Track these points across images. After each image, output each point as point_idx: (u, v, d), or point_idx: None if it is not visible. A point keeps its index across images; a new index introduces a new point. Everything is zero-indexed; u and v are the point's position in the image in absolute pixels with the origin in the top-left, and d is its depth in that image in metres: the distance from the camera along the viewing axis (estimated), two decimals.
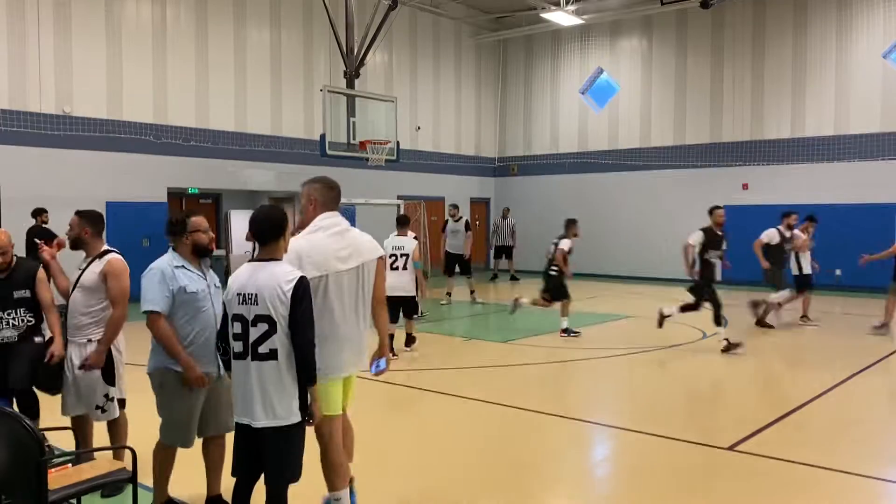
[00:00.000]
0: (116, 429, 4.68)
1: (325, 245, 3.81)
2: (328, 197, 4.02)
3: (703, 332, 11.14)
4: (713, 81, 18.94)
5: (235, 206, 16.72)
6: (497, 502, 4.66)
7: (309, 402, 3.49)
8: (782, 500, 4.66)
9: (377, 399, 7.35)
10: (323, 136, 13.92)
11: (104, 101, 14.03)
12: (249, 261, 3.56)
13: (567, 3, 18.03)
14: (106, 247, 4.64)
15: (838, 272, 16.79)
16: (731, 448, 5.59)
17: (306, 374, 3.43)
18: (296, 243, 3.78)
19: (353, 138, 14.51)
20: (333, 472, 3.89)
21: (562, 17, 18.43)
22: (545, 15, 18.30)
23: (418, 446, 5.79)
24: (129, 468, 3.68)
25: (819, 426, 6.37)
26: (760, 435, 5.93)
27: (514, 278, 19.58)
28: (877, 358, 9.13)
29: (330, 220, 3.95)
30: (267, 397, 3.39)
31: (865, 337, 10.83)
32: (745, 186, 18.33)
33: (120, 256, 4.59)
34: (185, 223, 4.18)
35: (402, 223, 9.78)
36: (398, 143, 15.50)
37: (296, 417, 3.44)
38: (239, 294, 3.44)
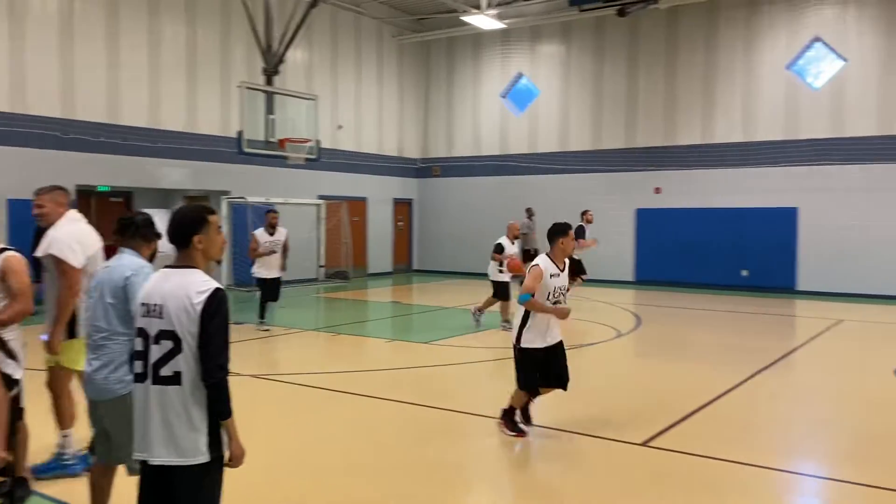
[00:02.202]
0: (15, 441, 4.40)
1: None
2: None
3: (617, 331, 11.44)
4: (629, 88, 19.51)
5: (148, 206, 16.13)
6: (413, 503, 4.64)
7: (224, 438, 2.95)
8: (694, 494, 4.82)
9: (289, 401, 7.23)
10: (240, 134, 13.59)
11: (5, 93, 13.28)
12: (164, 267, 3.11)
13: (488, 6, 18.20)
14: (2, 245, 4.40)
15: (745, 272, 17.59)
16: (644, 444, 5.74)
17: (217, 406, 2.89)
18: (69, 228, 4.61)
19: (272, 136, 14.23)
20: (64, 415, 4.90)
21: (483, 21, 18.59)
22: (466, 18, 18.42)
23: (329, 448, 5.72)
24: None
25: (729, 421, 6.63)
26: (673, 430, 6.13)
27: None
28: (780, 355, 9.57)
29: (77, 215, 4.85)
30: (169, 429, 2.86)
31: (769, 335, 11.33)
32: (657, 190, 18.96)
33: (17, 253, 4.36)
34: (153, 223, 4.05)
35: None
36: (319, 141, 15.29)
37: (203, 457, 2.87)
38: (143, 304, 2.98)
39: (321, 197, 19.00)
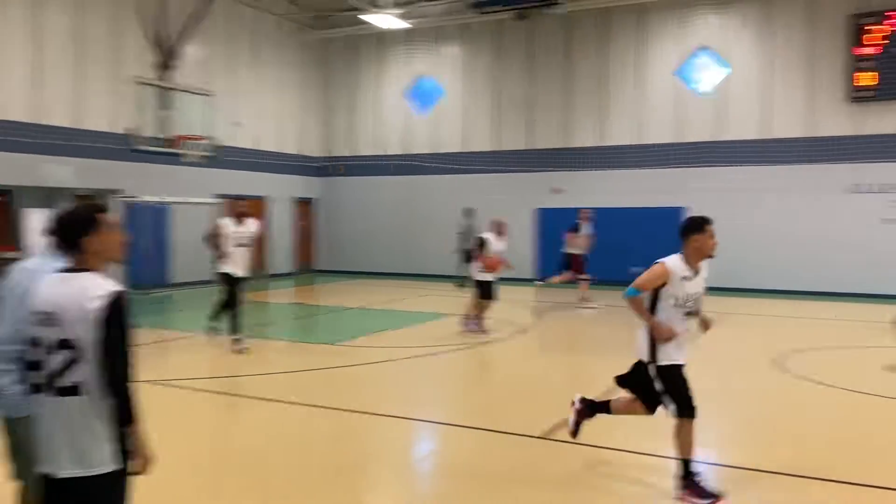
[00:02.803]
0: None
1: None
2: None
3: (518, 328, 11.70)
4: (528, 91, 19.97)
5: (31, 205, 15.23)
6: None
7: (130, 445, 2.84)
8: (590, 482, 5.02)
9: (187, 407, 7.04)
10: (131, 130, 13.05)
11: None
12: (57, 271, 2.90)
13: (390, 6, 18.23)
14: None
15: (635, 270, 18.27)
16: (543, 437, 5.93)
17: (122, 414, 2.77)
18: None
19: (167, 133, 13.77)
20: None
21: (385, 21, 18.61)
22: (367, 17, 18.39)
23: (234, 454, 5.62)
24: None
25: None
26: None
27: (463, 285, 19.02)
28: None
29: None
30: (72, 441, 2.75)
31: None
32: (556, 190, 19.51)
33: None
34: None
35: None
36: (216, 139, 14.89)
37: (110, 466, 2.78)
38: (36, 312, 2.82)
39: (219, 196, 18.50)
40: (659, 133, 18.52)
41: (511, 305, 14.73)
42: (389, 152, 21.83)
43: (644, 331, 5.01)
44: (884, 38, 16.02)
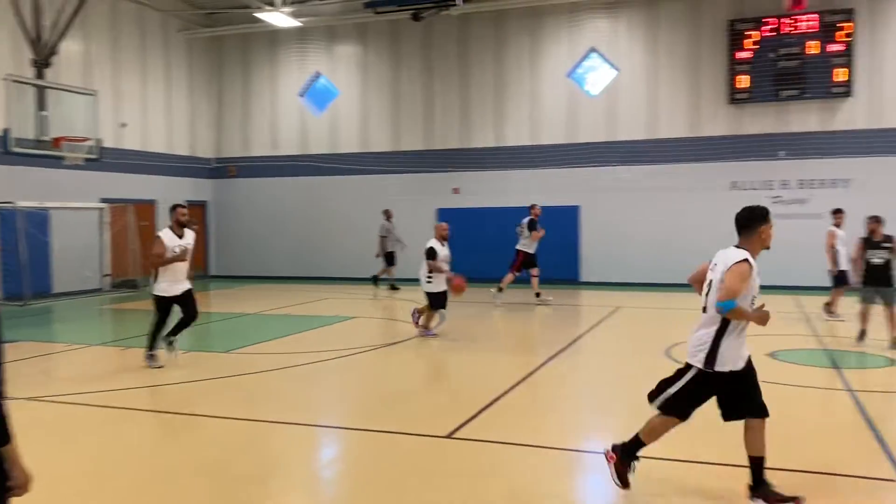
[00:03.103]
0: None
1: None
2: None
3: (425, 329, 11.69)
4: (425, 91, 20.03)
5: None
6: None
7: (6, 466, 2.62)
8: (496, 479, 5.04)
9: (71, 422, 6.62)
10: (7, 131, 12.21)
11: None
12: None
13: (283, 4, 17.85)
14: None
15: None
16: (449, 436, 5.92)
17: None
18: None
19: (45, 135, 12.95)
20: None
21: (277, 19, 18.21)
22: (260, 15, 17.94)
23: (121, 470, 5.31)
24: None
25: (526, 406, 7.02)
26: (475, 420, 6.37)
27: (394, 287, 18.22)
28: (568, 342, 10.30)
29: None
30: None
31: (559, 324, 12.14)
32: (455, 190, 19.66)
33: None
34: None
35: None
36: (100, 140, 14.14)
37: None
38: None
39: (104, 200, 17.57)
40: (554, 134, 18.98)
41: (414, 306, 14.71)
42: (285, 152, 21.38)
43: (709, 335, 4.58)
44: (755, 43, 17.03)
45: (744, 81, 17.17)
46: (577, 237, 18.69)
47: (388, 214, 18.28)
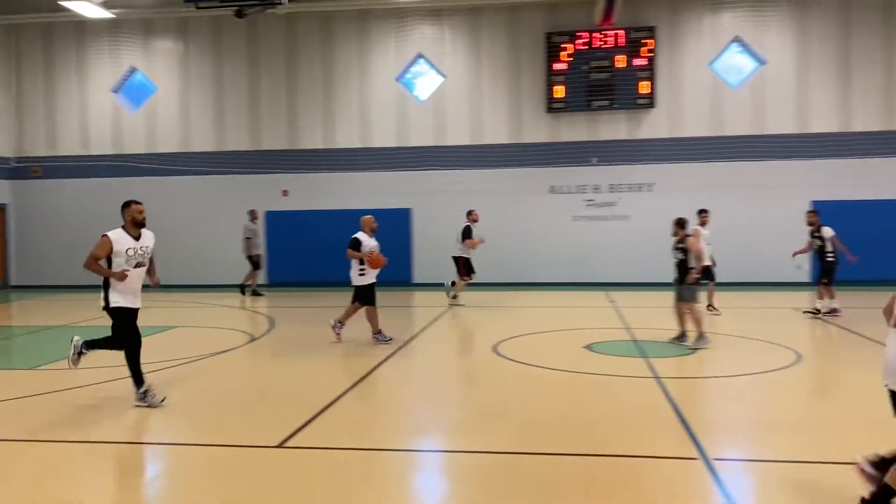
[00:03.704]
0: None
1: None
2: None
3: (251, 336, 11.33)
4: (251, 90, 19.43)
5: None
6: None
7: None
8: (329, 486, 4.99)
9: None
10: None
11: None
12: None
13: None
14: None
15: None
16: (280, 445, 5.79)
17: None
18: None
19: None
20: None
21: (86, 9, 16.92)
22: (66, 3, 16.57)
23: None
24: None
25: (359, 411, 7.00)
26: (308, 427, 6.27)
27: (256, 293, 17.02)
28: (403, 342, 10.40)
29: None
30: None
31: (393, 325, 12.22)
32: (284, 193, 19.24)
33: None
34: None
35: None
36: None
37: None
38: None
39: None
40: (384, 137, 19.11)
41: (243, 313, 14.21)
42: (97, 152, 19.89)
43: None
44: (570, 55, 18.13)
45: (560, 91, 18.21)
46: (410, 239, 18.94)
47: (252, 215, 17.36)
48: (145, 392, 7.06)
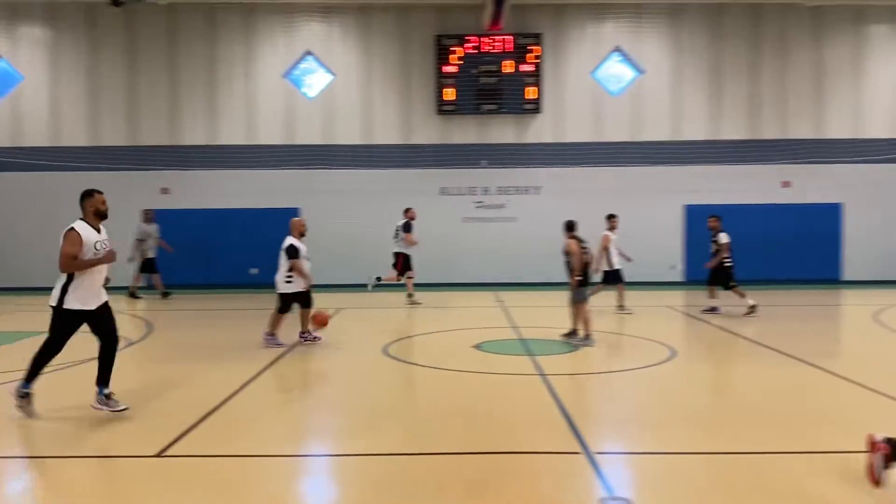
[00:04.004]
0: None
1: None
2: None
3: (128, 340, 10.80)
4: (129, 83, 18.51)
5: None
6: None
7: None
8: (210, 495, 4.81)
9: None
10: None
11: None
12: None
13: None
14: None
15: (254, 271, 18.21)
16: (159, 455, 5.53)
17: None
18: None
19: None
20: None
21: None
22: None
23: None
24: None
25: (244, 416, 6.79)
26: (189, 435, 6.02)
27: (134, 295, 16.04)
28: (287, 348, 10.18)
29: None
30: None
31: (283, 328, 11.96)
32: (164, 191, 18.45)
33: None
34: None
35: None
36: None
37: None
38: None
39: None
40: (271, 134, 18.67)
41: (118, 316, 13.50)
42: None
43: None
44: (459, 58, 18.35)
45: (450, 94, 18.40)
46: None
47: (146, 216, 16.46)
48: (26, 395, 6.55)
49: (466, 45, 18.33)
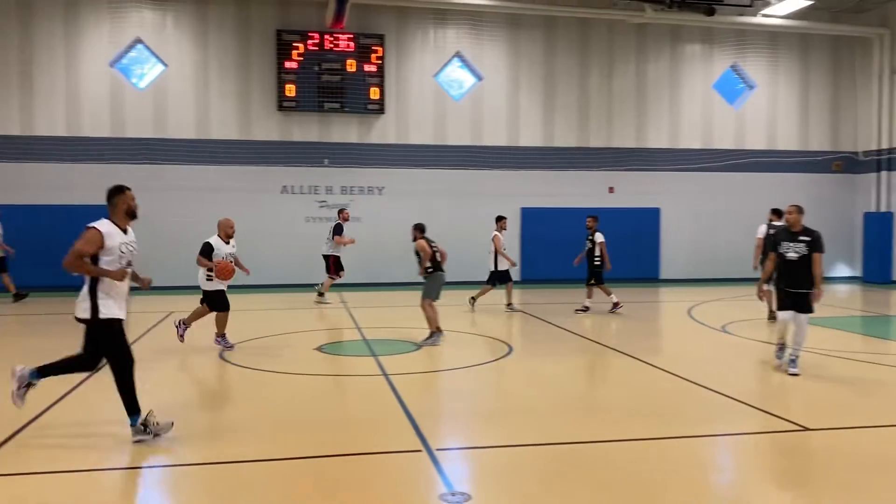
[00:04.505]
0: None
1: None
2: None
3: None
4: None
5: None
6: None
7: None
8: None
9: None
10: None
11: None
12: None
13: None
14: None
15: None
16: None
17: None
18: None
19: None
20: None
21: None
22: None
23: None
24: None
25: (65, 428, 6.28)
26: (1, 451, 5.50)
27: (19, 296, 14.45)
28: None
29: None
30: None
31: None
32: None
33: None
34: None
35: None
36: None
37: None
38: None
39: None
40: (96, 126, 17.43)
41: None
42: None
43: None
44: (301, 54, 18.04)
45: (291, 90, 18.04)
46: None
47: None
48: (146, 422, 5.76)
49: (309, 41, 18.05)
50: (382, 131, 18.84)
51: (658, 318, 14.07)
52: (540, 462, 5.46)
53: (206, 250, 9.57)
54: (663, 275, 20.24)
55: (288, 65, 17.97)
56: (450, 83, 19.41)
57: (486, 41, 19.26)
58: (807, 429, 6.25)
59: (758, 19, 19.12)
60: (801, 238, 8.29)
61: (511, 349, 10.04)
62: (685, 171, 20.30)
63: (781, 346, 8.60)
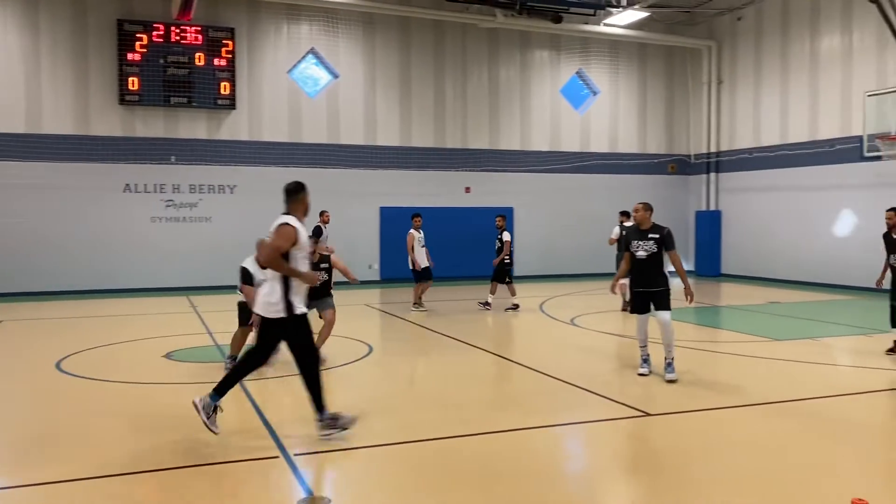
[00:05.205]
0: None
1: None
2: None
3: None
4: None
5: None
6: None
7: None
8: None
9: None
10: None
11: None
12: None
13: None
14: None
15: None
16: None
17: None
18: None
19: None
20: None
21: None
22: None
23: None
24: None
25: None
26: None
27: None
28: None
29: None
30: None
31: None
32: None
33: None
34: None
35: None
36: None
37: None
38: None
39: None
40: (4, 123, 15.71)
41: None
42: None
43: None
44: (144, 46, 17.07)
45: (135, 84, 17.03)
46: None
47: None
48: (334, 416, 5.83)
49: (153, 33, 17.11)
50: (233, 127, 18.20)
51: (511, 313, 14.54)
52: (402, 460, 5.47)
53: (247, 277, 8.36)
54: (518, 272, 20.91)
55: (131, 57, 16.95)
56: (305, 80, 19.07)
57: (341, 39, 19.08)
58: (648, 414, 6.66)
59: (601, 28, 20.19)
60: (650, 236, 8.03)
61: (371, 349, 10.00)
62: (535, 172, 21.09)
63: (645, 359, 8.16)
